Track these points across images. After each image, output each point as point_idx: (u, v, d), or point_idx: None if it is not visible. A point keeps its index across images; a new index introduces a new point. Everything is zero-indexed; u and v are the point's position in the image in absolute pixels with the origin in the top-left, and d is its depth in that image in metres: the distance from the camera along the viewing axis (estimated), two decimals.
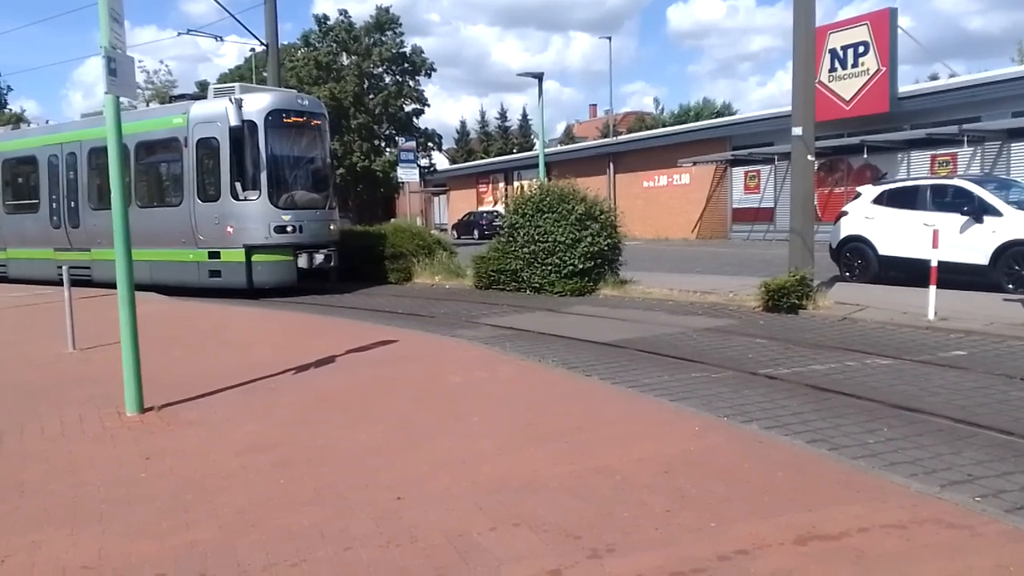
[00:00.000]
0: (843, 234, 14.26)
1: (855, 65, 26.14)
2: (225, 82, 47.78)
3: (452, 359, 7.95)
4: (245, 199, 14.71)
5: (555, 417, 5.56)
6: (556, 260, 14.10)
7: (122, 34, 5.82)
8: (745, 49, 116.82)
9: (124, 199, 5.93)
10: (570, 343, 9.32)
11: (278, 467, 4.61)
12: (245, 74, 45.03)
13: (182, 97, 17.58)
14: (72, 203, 17.39)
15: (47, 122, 21.15)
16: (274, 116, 14.91)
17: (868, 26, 25.84)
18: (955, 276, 11.58)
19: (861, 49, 25.95)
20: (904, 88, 26.49)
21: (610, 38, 51.37)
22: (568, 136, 70.20)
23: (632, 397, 6.33)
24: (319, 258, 15.33)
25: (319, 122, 16.04)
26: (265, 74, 22.24)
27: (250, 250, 14.76)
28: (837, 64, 26.64)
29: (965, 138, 23.04)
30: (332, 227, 16.13)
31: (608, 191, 35.91)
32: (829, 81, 26.54)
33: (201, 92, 19.39)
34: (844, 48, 26.41)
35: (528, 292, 14.45)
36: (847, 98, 26.31)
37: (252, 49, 28.31)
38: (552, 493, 4.07)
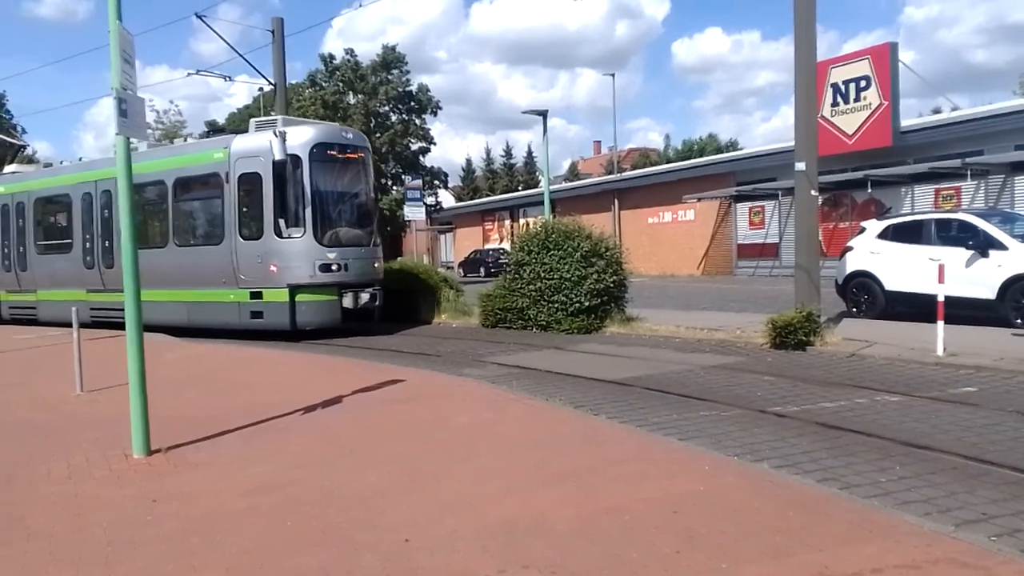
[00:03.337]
0: (849, 269, 14.25)
1: (857, 99, 26.31)
2: (234, 122, 48.40)
3: (459, 399, 7.93)
4: (289, 236, 14.28)
5: (563, 457, 5.53)
6: (562, 297, 14.12)
7: (133, 75, 5.92)
8: (750, 84, 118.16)
9: (135, 240, 5.97)
10: (577, 381, 9.30)
11: (285, 508, 4.58)
12: (254, 113, 45.48)
13: (220, 131, 17.40)
14: (107, 242, 16.89)
15: (80, 159, 20.92)
16: (319, 150, 14.50)
17: (869, 60, 26.06)
18: (962, 311, 11.51)
19: (863, 84, 26.14)
20: (907, 122, 26.62)
21: (613, 75, 51.96)
22: (573, 173, 70.70)
23: (640, 436, 6.29)
24: (364, 297, 14.81)
25: (363, 155, 15.60)
26: (273, 113, 22.51)
27: (294, 290, 14.27)
28: (839, 99, 26.82)
29: (969, 172, 23.11)
30: (376, 265, 15.60)
31: (613, 228, 36.02)
32: (832, 116, 26.72)
33: (209, 130, 19.43)
34: (846, 83, 26.61)
35: (535, 330, 14.44)
36: (850, 132, 26.46)
37: (260, 89, 28.64)
38: (560, 535, 4.04)
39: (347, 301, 14.56)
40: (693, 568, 3.58)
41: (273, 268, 14.33)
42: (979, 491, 4.86)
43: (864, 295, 13.97)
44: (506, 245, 39.71)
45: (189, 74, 52.31)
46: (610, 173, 47.53)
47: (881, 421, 6.78)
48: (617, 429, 6.57)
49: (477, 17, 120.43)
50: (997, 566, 3.53)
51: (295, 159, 14.16)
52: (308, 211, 14.28)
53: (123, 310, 18.14)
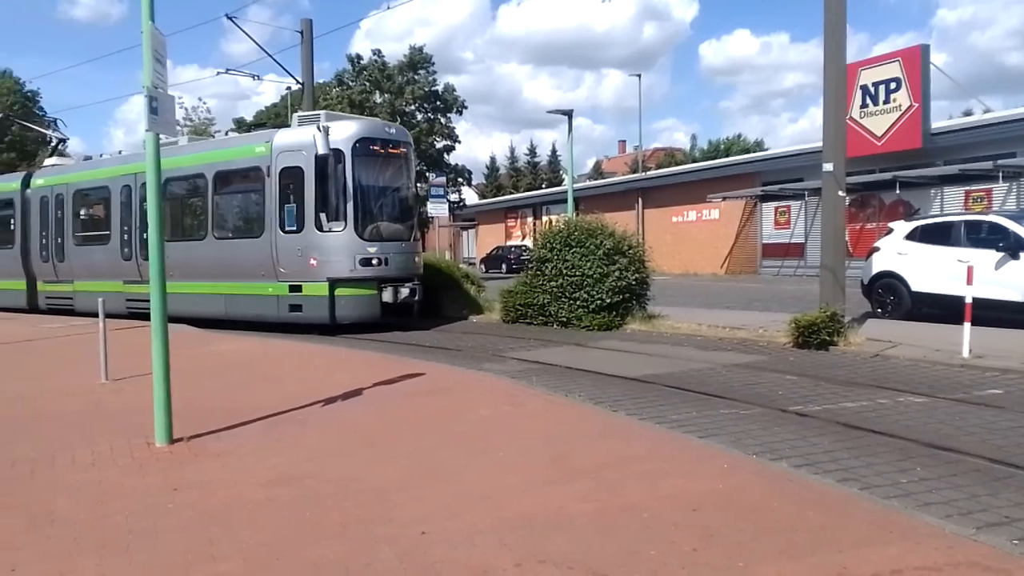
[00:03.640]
0: (875, 270, 14.11)
1: (887, 101, 26.03)
2: (261, 120, 48.70)
3: (479, 393, 7.94)
4: (330, 230, 14.22)
5: (582, 453, 5.52)
6: (584, 294, 14.09)
7: (164, 74, 5.99)
8: (778, 85, 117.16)
9: (161, 232, 6.04)
10: (597, 378, 9.28)
11: (304, 500, 4.62)
12: (281, 112, 45.77)
13: (251, 128, 17.41)
14: (145, 235, 16.39)
15: (120, 152, 20.95)
16: (361, 144, 14.47)
17: (900, 63, 25.77)
18: (990, 313, 11.35)
19: (893, 85, 25.85)
20: (937, 124, 26.29)
21: (639, 76, 51.65)
22: (597, 172, 70.52)
23: (660, 433, 6.26)
24: (404, 292, 14.66)
25: (405, 151, 15.59)
26: (300, 110, 22.65)
27: (334, 283, 14.24)
28: (868, 100, 26.55)
29: (1000, 174, 22.76)
30: (417, 259, 15.60)
31: (637, 226, 35.89)
32: (861, 117, 26.44)
33: (239, 127, 19.54)
34: (875, 84, 26.33)
35: (555, 326, 14.43)
36: (879, 134, 26.18)
37: (288, 88, 28.88)
38: (579, 530, 4.03)
39: (387, 296, 14.46)
40: (711, 566, 3.56)
41: (313, 261, 14.29)
42: (1002, 494, 4.80)
43: (890, 296, 13.81)
44: (528, 242, 39.71)
45: (218, 73, 52.65)
46: (634, 172, 47.37)
47: (904, 422, 6.70)
48: (636, 426, 6.55)
49: (504, 19, 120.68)
50: (1020, 570, 3.47)
51: (338, 153, 14.09)
52: (349, 205, 14.21)
53: None
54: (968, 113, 39.74)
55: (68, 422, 6.91)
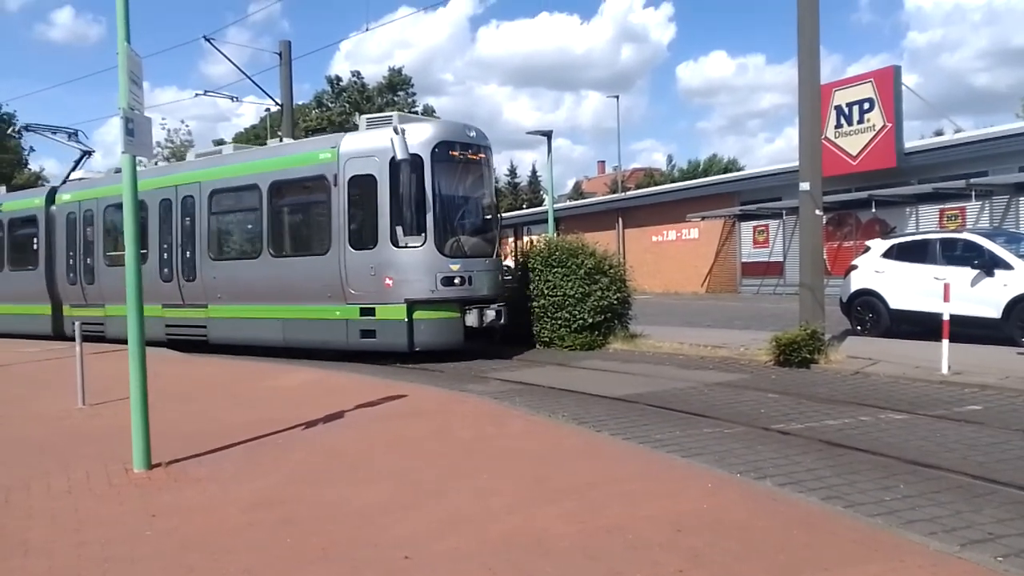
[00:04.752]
0: (853, 288, 14.23)
1: (861, 121, 26.39)
2: (240, 142, 48.64)
3: (461, 414, 7.90)
4: (407, 246, 12.73)
5: (565, 474, 5.49)
6: (566, 314, 14.10)
7: (140, 95, 5.96)
8: (755, 106, 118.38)
9: (138, 253, 5.95)
10: (580, 398, 9.26)
11: (285, 525, 4.55)
12: (260, 133, 45.76)
13: (319, 132, 16.43)
14: (187, 253, 15.43)
15: (155, 163, 19.19)
16: (441, 149, 13.05)
17: (872, 83, 26.17)
18: (967, 330, 11.49)
19: (867, 106, 26.23)
20: (910, 143, 26.67)
21: (617, 97, 52.39)
22: (577, 192, 70.87)
23: (643, 453, 6.26)
24: (490, 315, 13.17)
25: (486, 156, 14.14)
26: (280, 133, 22.62)
27: (412, 306, 12.76)
28: (843, 120, 26.91)
29: (973, 192, 23.11)
30: (500, 278, 14.24)
31: (617, 246, 36.00)
32: (836, 137, 26.77)
33: (215, 148, 19.13)
34: (850, 105, 26.70)
35: (538, 346, 14.41)
36: (853, 153, 26.51)
37: (267, 109, 28.82)
38: (563, 553, 4.00)
39: (471, 319, 12.98)
40: None
41: (388, 281, 12.81)
42: (985, 510, 4.82)
43: (868, 313, 13.94)
44: (510, 262, 39.71)
45: (197, 95, 52.22)
46: (614, 192, 47.66)
47: (885, 439, 6.73)
48: (620, 446, 6.53)
49: (483, 41, 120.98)
50: None
51: (415, 159, 12.65)
52: (429, 217, 12.78)
53: (205, 327, 15.16)
54: (939, 133, 40.28)
55: (44, 448, 6.78)
